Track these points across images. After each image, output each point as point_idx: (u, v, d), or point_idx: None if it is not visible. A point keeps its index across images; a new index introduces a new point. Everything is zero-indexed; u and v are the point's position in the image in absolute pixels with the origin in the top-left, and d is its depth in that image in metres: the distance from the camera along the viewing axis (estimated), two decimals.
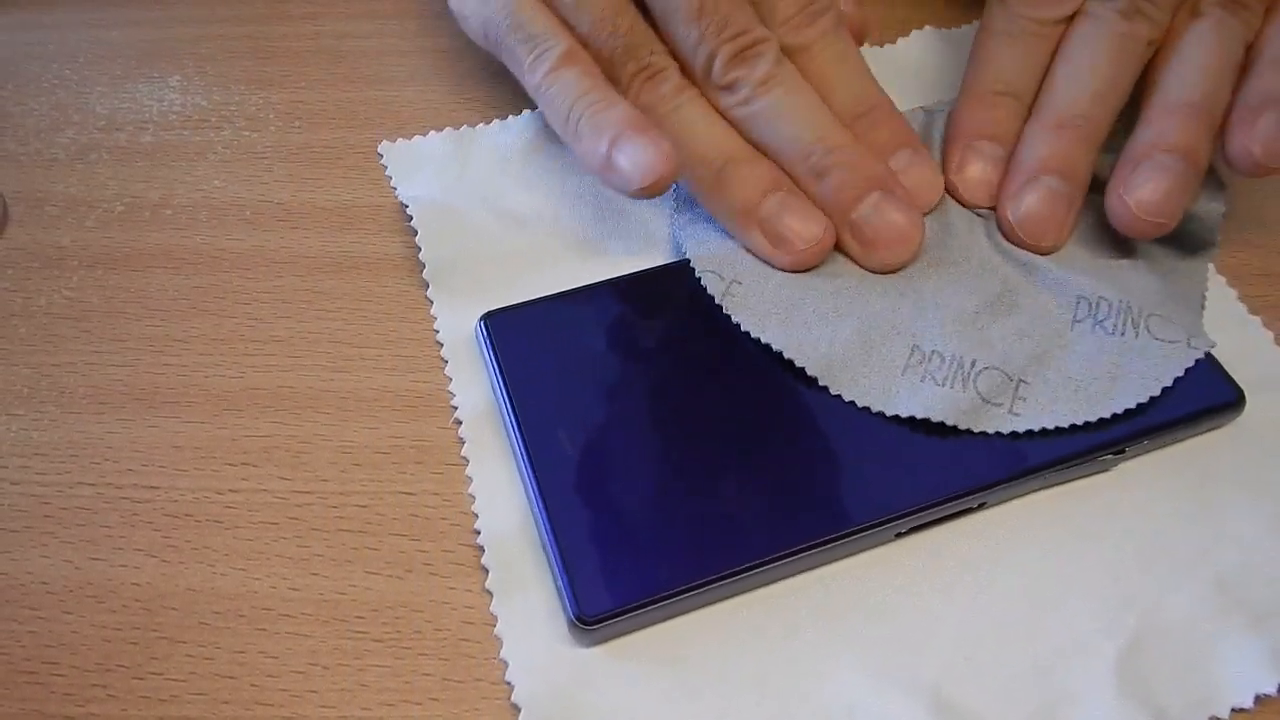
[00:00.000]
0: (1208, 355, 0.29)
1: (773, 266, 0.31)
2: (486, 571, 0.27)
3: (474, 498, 0.28)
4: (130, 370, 0.31)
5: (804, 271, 0.31)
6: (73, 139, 0.39)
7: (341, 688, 0.25)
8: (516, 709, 0.24)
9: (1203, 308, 0.30)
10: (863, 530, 0.26)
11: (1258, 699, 0.24)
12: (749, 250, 0.31)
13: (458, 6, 0.35)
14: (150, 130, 0.39)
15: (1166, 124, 0.30)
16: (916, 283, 0.31)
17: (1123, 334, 0.29)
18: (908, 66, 0.39)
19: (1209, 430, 0.29)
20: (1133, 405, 0.27)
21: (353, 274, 0.33)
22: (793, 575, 0.26)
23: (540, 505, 0.26)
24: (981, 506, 0.27)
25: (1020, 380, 0.28)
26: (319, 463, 0.29)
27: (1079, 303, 0.30)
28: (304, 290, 0.33)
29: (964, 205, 0.32)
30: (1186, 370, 0.28)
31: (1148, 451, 0.28)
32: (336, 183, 0.36)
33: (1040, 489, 0.28)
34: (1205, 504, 0.28)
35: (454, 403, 0.30)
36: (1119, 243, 0.31)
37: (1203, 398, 0.28)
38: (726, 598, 0.26)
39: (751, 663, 0.25)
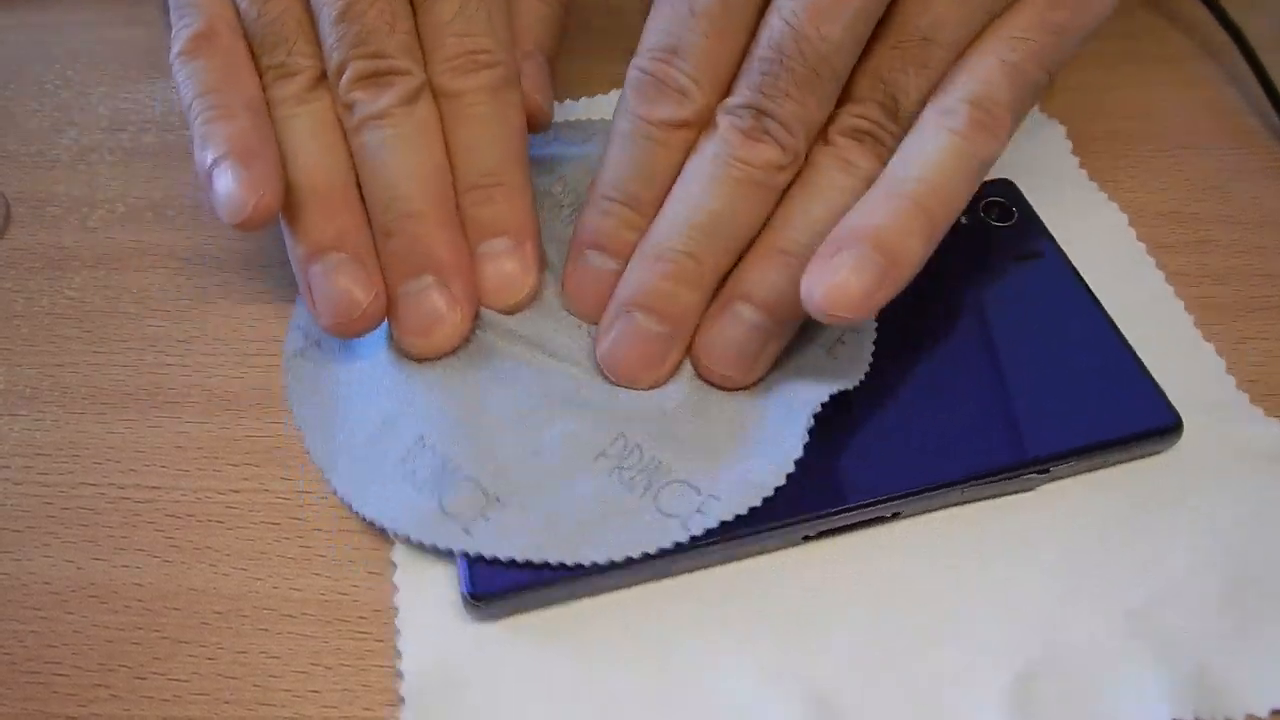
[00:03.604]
0: (1148, 377, 0.28)
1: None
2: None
3: None
4: (132, 370, 0.31)
5: (355, 338, 0.29)
6: (75, 140, 0.39)
7: (344, 688, 0.25)
8: (400, 676, 0.25)
9: (808, 431, 0.26)
10: (768, 530, 0.26)
11: None
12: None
13: None
14: (153, 131, 0.39)
15: (752, 272, 0.27)
16: (470, 369, 0.28)
17: (630, 491, 0.26)
18: None
19: (1145, 455, 0.28)
20: (588, 561, 0.25)
21: None
22: (697, 569, 0.26)
23: None
24: (896, 516, 0.27)
25: (496, 498, 0.26)
26: None
27: (615, 440, 0.27)
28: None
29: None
30: (1122, 392, 0.28)
31: (1076, 473, 0.27)
32: None
33: (959, 503, 0.27)
34: (1131, 532, 0.26)
35: None
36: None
37: (1137, 420, 0.27)
38: (629, 585, 0.26)
39: (650, 650, 0.25)
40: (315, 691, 0.25)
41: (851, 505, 0.26)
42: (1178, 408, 0.28)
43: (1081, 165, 0.36)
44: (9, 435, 0.30)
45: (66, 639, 0.26)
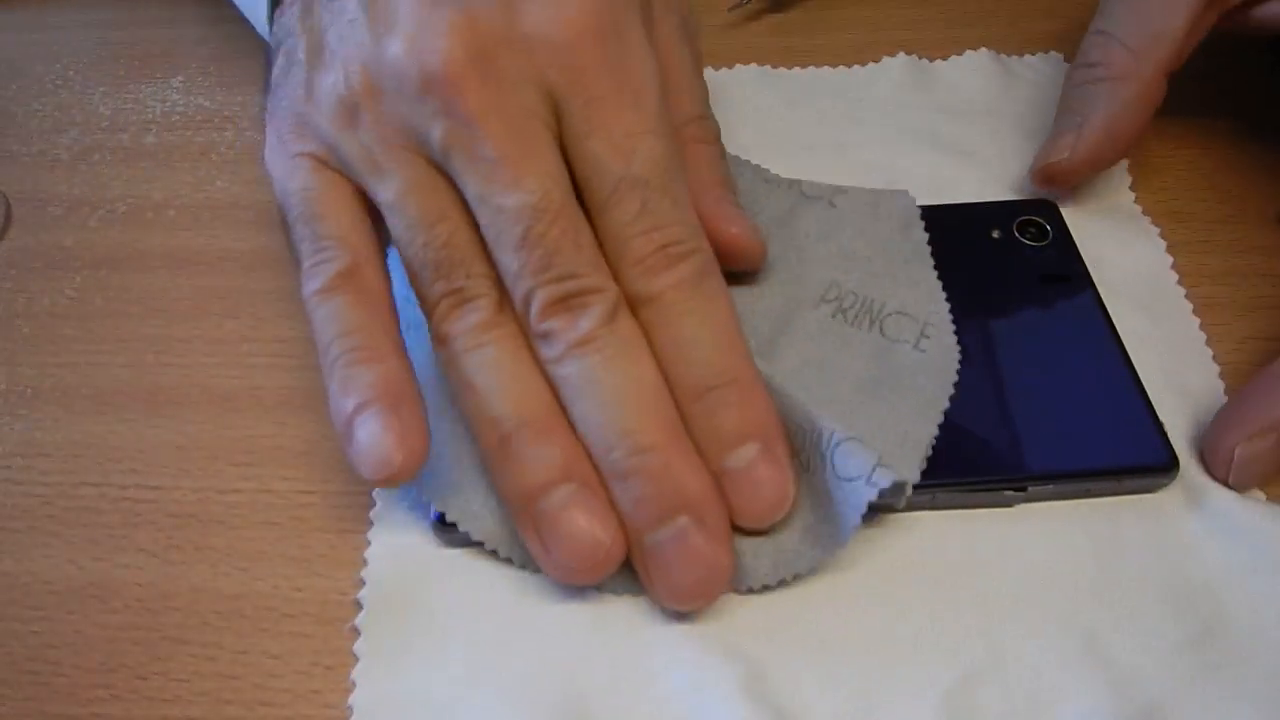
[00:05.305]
0: (1151, 414, 0.27)
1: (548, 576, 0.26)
2: None
3: None
4: (133, 370, 0.31)
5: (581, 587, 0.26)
6: (76, 140, 0.39)
7: (345, 688, 0.25)
8: (362, 583, 0.26)
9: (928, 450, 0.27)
10: None
11: None
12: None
13: (269, 159, 0.28)
14: (153, 131, 0.39)
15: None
16: None
17: None
18: (956, 87, 0.39)
19: (1136, 492, 0.27)
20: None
21: None
22: None
23: None
24: None
25: None
26: (322, 463, 0.29)
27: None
28: None
29: None
30: (1119, 424, 0.27)
31: (1060, 497, 0.27)
32: None
33: (928, 508, 0.27)
34: (1104, 562, 0.26)
35: None
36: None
37: (1128, 455, 0.27)
38: None
39: (593, 597, 0.26)
40: (315, 691, 0.25)
41: None
42: (1181, 451, 0.27)
43: (1137, 200, 0.35)
44: (10, 435, 0.30)
45: (67, 639, 0.26)
